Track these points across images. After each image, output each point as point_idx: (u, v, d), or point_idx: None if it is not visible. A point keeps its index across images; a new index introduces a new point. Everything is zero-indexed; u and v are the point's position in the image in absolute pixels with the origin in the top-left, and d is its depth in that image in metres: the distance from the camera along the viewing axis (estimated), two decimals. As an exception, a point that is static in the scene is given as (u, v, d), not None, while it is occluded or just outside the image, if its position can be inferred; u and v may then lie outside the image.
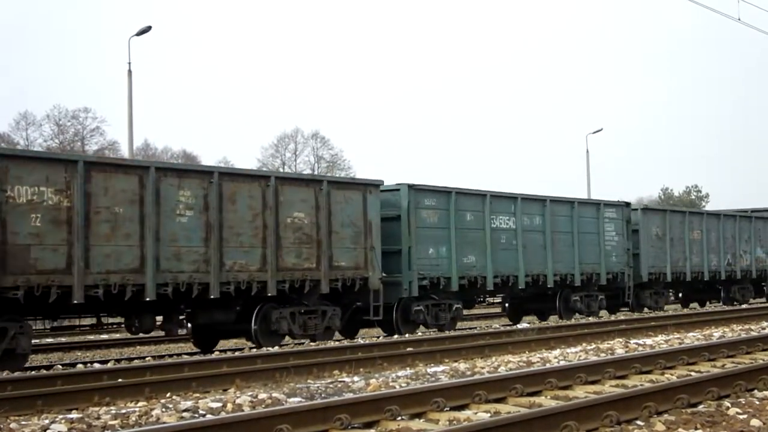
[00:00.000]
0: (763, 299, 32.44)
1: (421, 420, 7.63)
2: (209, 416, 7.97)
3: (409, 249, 18.81)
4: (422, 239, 19.09)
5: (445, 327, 19.51)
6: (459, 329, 20.07)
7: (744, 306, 28.19)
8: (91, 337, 22.05)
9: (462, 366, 11.96)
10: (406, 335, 17.78)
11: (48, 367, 13.44)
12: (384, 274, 18.36)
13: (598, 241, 24.08)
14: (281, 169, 62.26)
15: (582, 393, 8.93)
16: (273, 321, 16.28)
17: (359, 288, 17.77)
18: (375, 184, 18.48)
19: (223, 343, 18.37)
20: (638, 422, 7.27)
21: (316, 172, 61.70)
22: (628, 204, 25.74)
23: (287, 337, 16.95)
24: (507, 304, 24.74)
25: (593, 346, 14.58)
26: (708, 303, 30.74)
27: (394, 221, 18.86)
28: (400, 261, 18.78)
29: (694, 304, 30.56)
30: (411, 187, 18.98)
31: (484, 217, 20.61)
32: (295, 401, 8.75)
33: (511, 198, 21.69)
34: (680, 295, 31.05)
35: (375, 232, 18.13)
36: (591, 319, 21.75)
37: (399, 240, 18.82)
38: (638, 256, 25.73)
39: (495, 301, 29.00)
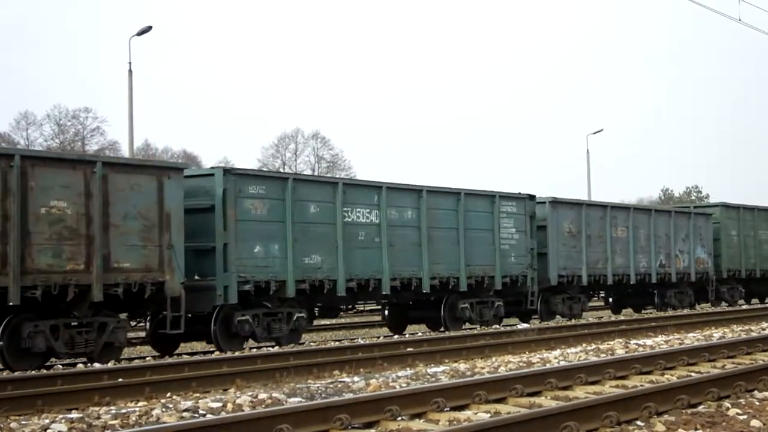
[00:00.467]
0: (707, 304, 28.99)
1: (422, 420, 7.64)
2: (209, 416, 7.98)
3: (225, 246, 15.55)
4: (245, 235, 15.82)
5: (283, 341, 16.30)
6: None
7: (745, 306, 28.13)
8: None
9: (462, 366, 11.97)
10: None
11: (48, 367, 13.44)
12: (197, 278, 15.56)
13: (492, 239, 20.82)
14: (282, 170, 62.20)
15: (582, 393, 8.93)
16: (25, 337, 13.06)
17: (152, 294, 14.40)
18: (176, 168, 15.47)
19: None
20: (638, 422, 7.28)
21: (316, 173, 61.63)
22: (532, 196, 22.25)
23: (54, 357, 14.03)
24: (386, 312, 21.32)
25: (593, 346, 14.59)
26: (644, 309, 27.66)
27: (211, 213, 15.71)
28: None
29: (628, 310, 27.79)
30: (229, 171, 15.95)
31: (335, 210, 17.28)
32: (295, 401, 8.76)
33: (373, 187, 18.44)
34: (610, 300, 28.19)
35: (176, 227, 14.80)
36: (591, 320, 21.71)
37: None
38: (546, 256, 22.43)
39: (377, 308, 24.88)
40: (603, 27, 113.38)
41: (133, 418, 7.99)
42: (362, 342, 15.78)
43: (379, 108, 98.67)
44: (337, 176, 18.91)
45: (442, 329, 19.94)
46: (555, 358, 12.73)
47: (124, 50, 49.48)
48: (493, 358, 13.09)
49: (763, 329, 17.38)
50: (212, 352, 16.33)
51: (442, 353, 13.40)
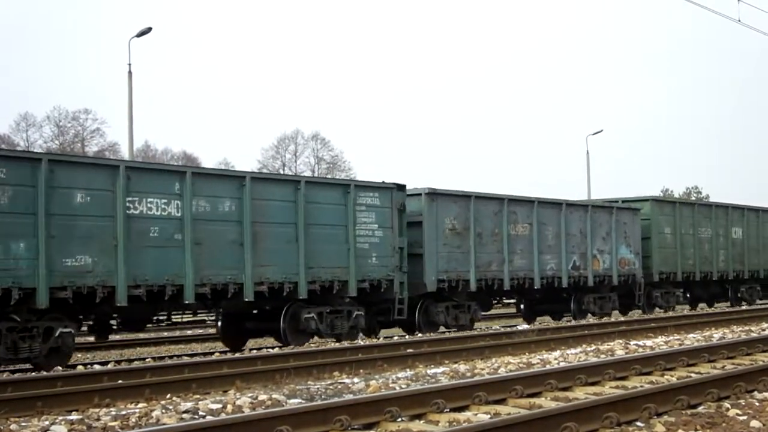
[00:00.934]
0: (639, 311, 25.81)
1: (422, 421, 7.65)
2: (209, 417, 7.98)
3: None
4: None
5: (38, 362, 13.24)
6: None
7: (751, 306, 27.96)
8: (92, 339, 22.08)
9: (462, 367, 11.98)
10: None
11: (48, 369, 13.44)
12: None
13: (345, 237, 17.30)
14: (281, 171, 62.19)
15: (582, 394, 8.94)
16: None
17: None
18: None
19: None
20: (638, 423, 7.30)
21: (316, 174, 61.66)
22: (401, 186, 18.70)
23: None
24: (220, 323, 17.94)
25: (593, 347, 14.60)
26: (563, 317, 24.44)
27: None
28: None
29: (544, 318, 24.72)
30: None
31: (115, 199, 13.97)
32: (295, 402, 8.77)
33: (172, 173, 15.10)
34: (522, 306, 24.87)
35: None
36: (591, 321, 21.63)
37: None
38: (422, 257, 19.02)
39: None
40: (603, 28, 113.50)
41: (133, 420, 8.00)
42: (362, 343, 15.78)
43: (380, 109, 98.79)
44: (118, 159, 14.19)
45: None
46: (555, 359, 12.74)
47: (123, 51, 49.59)
48: (493, 359, 13.09)
49: (763, 330, 17.39)
50: (213, 353, 16.34)
51: (442, 354, 13.40)
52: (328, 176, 16.22)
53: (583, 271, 23.20)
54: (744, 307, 27.56)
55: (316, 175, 59.65)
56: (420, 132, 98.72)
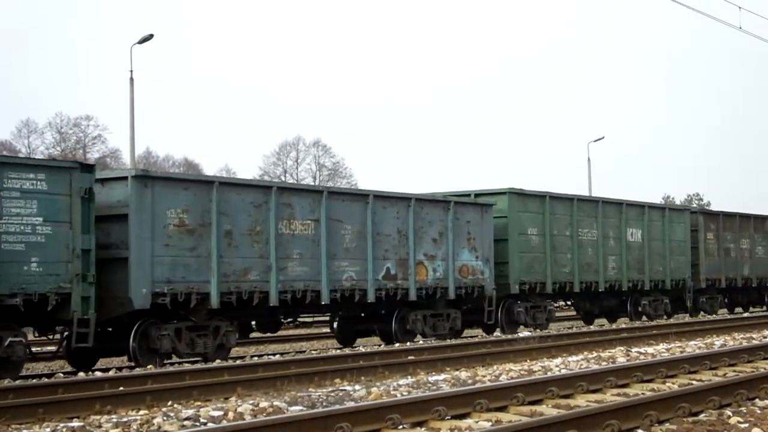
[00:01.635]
0: (494, 332, 20.56)
1: (423, 429, 7.66)
2: (210, 425, 8.00)
3: None
4: None
5: None
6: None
7: (746, 315, 27.89)
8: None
9: (463, 374, 11.98)
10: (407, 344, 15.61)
11: (49, 375, 13.43)
12: None
13: None
14: (282, 178, 62.18)
15: (583, 402, 8.94)
16: None
17: None
18: None
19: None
20: (639, 431, 7.30)
21: (317, 181, 61.65)
22: (87, 166, 14.08)
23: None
24: None
25: (595, 354, 14.59)
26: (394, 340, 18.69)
27: None
28: None
29: (372, 339, 19.81)
30: None
31: None
32: (296, 410, 8.78)
33: None
34: (335, 325, 19.64)
35: None
36: (593, 328, 21.60)
37: None
38: (127, 262, 13.96)
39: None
40: (604, 34, 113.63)
41: (134, 427, 8.02)
42: (363, 350, 15.78)
43: (381, 115, 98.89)
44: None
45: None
46: (556, 366, 12.74)
47: (125, 58, 49.73)
48: (495, 367, 13.09)
49: (765, 337, 17.39)
50: (214, 360, 16.34)
51: (444, 361, 13.40)
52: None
53: (401, 282, 18.00)
54: (746, 315, 27.41)
55: (318, 182, 59.59)
56: (422, 138, 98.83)
